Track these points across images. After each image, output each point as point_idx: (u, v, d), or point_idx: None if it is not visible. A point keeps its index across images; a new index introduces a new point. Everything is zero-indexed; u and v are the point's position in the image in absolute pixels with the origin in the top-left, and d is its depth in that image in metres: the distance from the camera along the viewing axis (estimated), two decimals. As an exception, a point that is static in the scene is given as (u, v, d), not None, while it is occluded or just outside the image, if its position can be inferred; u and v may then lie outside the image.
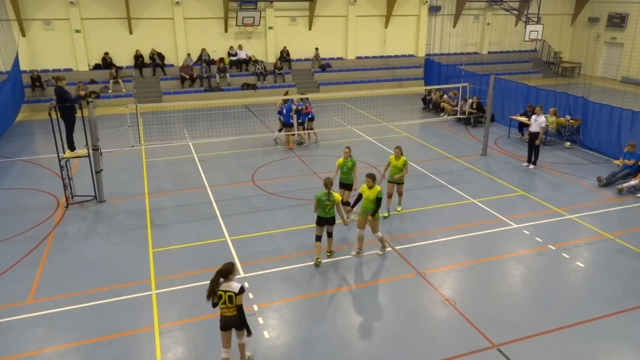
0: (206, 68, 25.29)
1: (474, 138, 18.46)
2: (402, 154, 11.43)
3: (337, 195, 9.25)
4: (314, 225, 9.61)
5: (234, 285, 6.36)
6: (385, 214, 11.66)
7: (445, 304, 8.51)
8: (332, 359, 7.28)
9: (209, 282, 6.48)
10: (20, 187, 13.75)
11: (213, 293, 6.36)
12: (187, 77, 24.78)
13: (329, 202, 9.17)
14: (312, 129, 17.70)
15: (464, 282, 9.19)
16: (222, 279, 6.36)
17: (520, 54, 32.32)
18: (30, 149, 17.38)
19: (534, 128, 14.95)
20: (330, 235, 9.77)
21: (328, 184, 9.20)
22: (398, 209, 12.07)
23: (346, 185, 11.32)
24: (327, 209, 9.23)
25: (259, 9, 25.64)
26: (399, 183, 11.71)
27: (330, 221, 9.43)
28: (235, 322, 6.51)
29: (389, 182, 11.74)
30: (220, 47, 26.14)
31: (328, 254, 9.88)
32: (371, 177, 9.40)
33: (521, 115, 18.36)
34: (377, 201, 9.39)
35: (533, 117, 15.16)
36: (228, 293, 6.34)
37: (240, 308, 6.42)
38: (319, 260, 9.56)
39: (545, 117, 15.50)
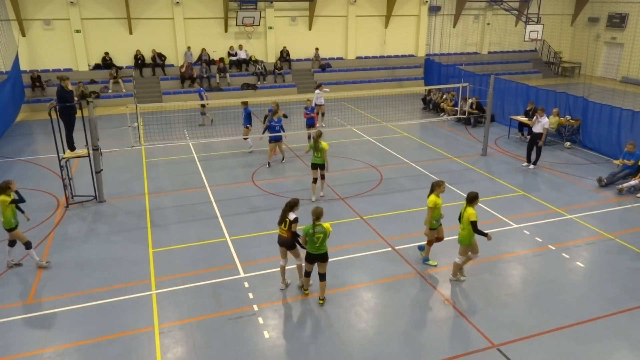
0: (206, 68, 25.30)
1: (474, 138, 18.46)
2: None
3: (327, 226, 8.05)
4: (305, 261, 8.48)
5: (292, 216, 8.36)
6: (435, 263, 9.72)
7: (445, 304, 8.52)
8: (332, 359, 7.28)
9: (280, 212, 8.52)
10: (20, 187, 13.60)
11: (283, 219, 8.42)
12: (187, 77, 24.82)
13: (320, 235, 7.99)
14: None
15: (464, 282, 9.18)
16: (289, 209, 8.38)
17: (520, 54, 32.31)
18: (30, 149, 17.38)
19: (537, 129, 14.88)
20: (322, 278, 8.39)
21: (320, 215, 8.00)
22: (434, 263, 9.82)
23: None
24: (317, 243, 8.06)
25: (259, 9, 25.64)
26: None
27: (323, 257, 8.20)
28: (286, 242, 8.54)
29: (432, 229, 9.46)
30: (220, 47, 26.14)
31: (320, 302, 8.47)
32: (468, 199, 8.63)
33: (523, 114, 18.35)
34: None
35: (535, 117, 15.08)
36: (288, 219, 8.37)
37: (294, 234, 8.45)
38: (307, 291, 8.66)
39: (549, 118, 15.42)
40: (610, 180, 13.73)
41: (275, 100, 15.89)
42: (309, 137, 16.88)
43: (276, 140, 15.02)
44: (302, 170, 15.01)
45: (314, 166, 12.52)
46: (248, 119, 16.18)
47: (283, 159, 15.73)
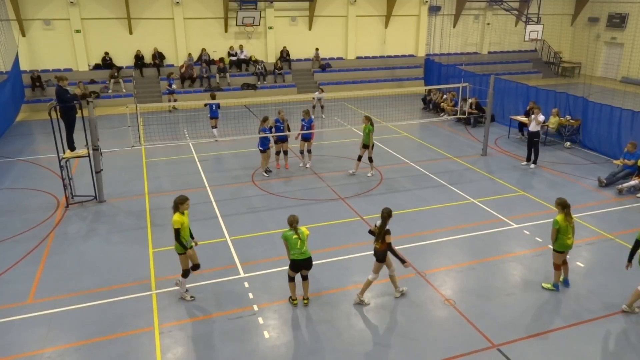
0: (206, 68, 25.29)
1: (474, 138, 18.46)
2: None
3: (304, 229, 7.97)
4: (289, 269, 8.23)
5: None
6: (548, 286, 8.92)
7: (445, 304, 8.51)
8: (332, 359, 7.28)
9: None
10: (20, 187, 13.75)
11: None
12: (187, 77, 24.82)
13: (296, 237, 7.87)
14: (309, 150, 15.17)
15: (464, 282, 9.18)
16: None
17: (520, 54, 32.31)
18: (30, 149, 17.38)
19: (532, 127, 15.01)
20: (305, 278, 8.33)
21: (294, 222, 7.93)
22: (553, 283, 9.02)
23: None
24: (298, 245, 7.90)
25: (259, 9, 25.64)
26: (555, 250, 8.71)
27: (307, 263, 8.06)
28: (378, 254, 8.16)
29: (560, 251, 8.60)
30: (220, 47, 26.14)
31: (305, 301, 8.44)
32: None
33: (524, 114, 18.34)
34: None
35: (532, 115, 15.21)
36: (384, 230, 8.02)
37: (388, 245, 8.01)
38: (295, 301, 8.39)
39: (550, 118, 15.38)
40: (611, 180, 13.73)
41: (279, 110, 14.76)
42: (301, 152, 15.22)
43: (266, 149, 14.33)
44: (302, 170, 15.00)
45: (365, 146, 14.21)
46: (212, 110, 17.52)
47: (266, 171, 14.52)
